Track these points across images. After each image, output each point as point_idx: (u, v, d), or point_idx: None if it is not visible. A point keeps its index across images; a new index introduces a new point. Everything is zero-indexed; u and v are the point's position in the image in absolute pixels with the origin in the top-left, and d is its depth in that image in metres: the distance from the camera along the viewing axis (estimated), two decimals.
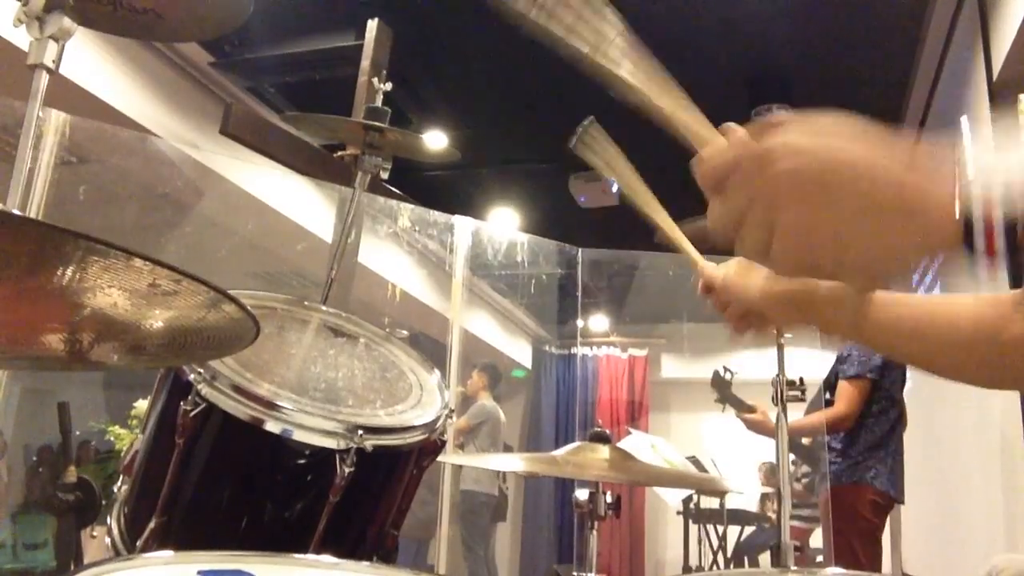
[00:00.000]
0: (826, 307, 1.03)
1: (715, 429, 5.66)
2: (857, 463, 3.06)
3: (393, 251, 5.30)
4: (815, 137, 0.57)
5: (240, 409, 1.19)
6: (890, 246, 0.55)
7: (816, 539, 4.93)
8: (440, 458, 1.39)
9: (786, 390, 2.10)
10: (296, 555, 1.07)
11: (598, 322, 8.04)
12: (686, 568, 5.98)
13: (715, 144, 0.62)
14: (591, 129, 1.14)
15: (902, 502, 3.16)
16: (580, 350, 7.73)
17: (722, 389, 3.48)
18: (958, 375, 0.92)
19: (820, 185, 0.55)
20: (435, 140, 4.94)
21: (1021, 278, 0.57)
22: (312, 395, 1.28)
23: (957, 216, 0.52)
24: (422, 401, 1.40)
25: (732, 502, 6.13)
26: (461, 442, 5.37)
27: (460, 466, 4.75)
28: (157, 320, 0.72)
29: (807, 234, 0.55)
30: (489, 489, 5.67)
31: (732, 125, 0.63)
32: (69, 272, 0.61)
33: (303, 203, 5.04)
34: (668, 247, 1.19)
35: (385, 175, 2.07)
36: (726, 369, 3.48)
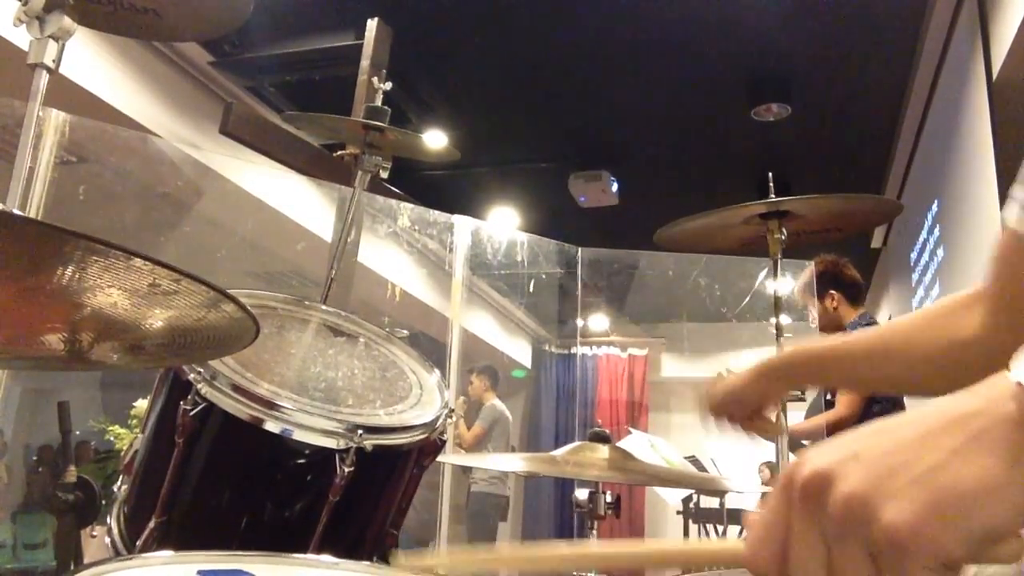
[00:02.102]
0: (806, 371, 1.08)
1: (715, 429, 5.65)
2: None
3: (393, 251, 5.30)
4: (856, 438, 0.47)
5: (240, 409, 1.19)
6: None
7: None
8: (440, 458, 1.39)
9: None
10: (296, 555, 1.07)
11: (598, 322, 8.04)
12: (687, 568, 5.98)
13: (754, 520, 0.48)
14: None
15: None
16: (580, 350, 7.73)
17: None
18: (936, 388, 0.94)
19: (900, 464, 0.44)
20: (435, 140, 4.94)
21: None
22: (312, 395, 1.28)
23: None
24: (422, 401, 1.40)
25: (732, 502, 6.13)
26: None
27: (462, 467, 4.74)
28: (157, 320, 0.72)
29: (928, 529, 0.42)
30: (501, 490, 5.65)
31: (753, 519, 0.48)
32: (69, 272, 0.61)
33: (303, 203, 5.04)
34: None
35: (385, 174, 2.07)
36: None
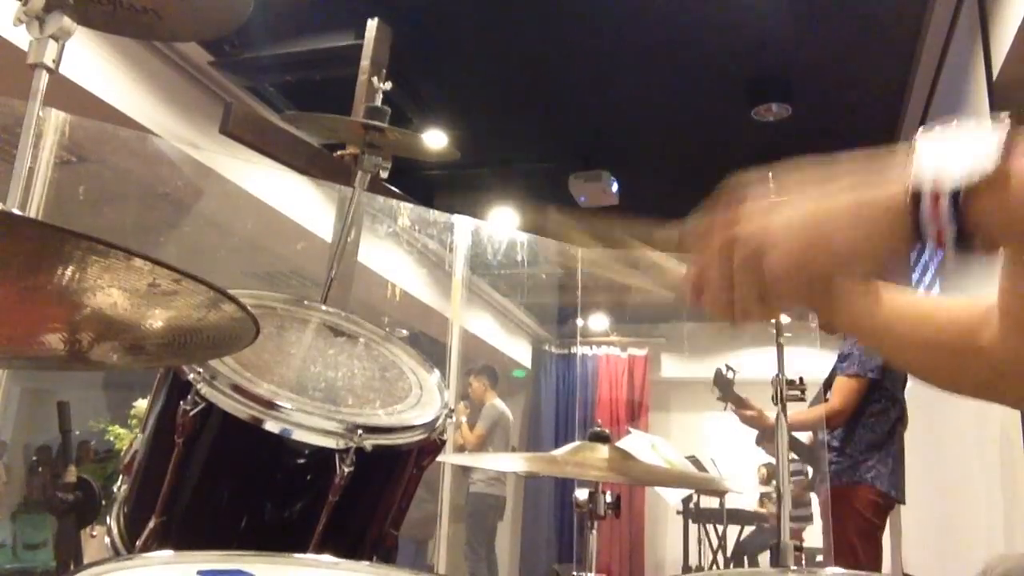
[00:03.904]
0: (833, 298, 1.05)
1: (715, 429, 5.66)
2: (857, 462, 3.06)
3: (393, 251, 5.30)
4: (767, 206, 0.67)
5: (239, 409, 1.19)
6: (862, 253, 0.61)
7: (813, 538, 4.94)
8: (440, 458, 1.39)
9: (786, 390, 2.10)
10: (296, 555, 1.07)
11: (598, 322, 8.04)
12: (686, 568, 5.99)
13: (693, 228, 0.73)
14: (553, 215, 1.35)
15: (903, 502, 3.16)
16: (580, 349, 7.73)
17: (724, 387, 3.48)
18: (944, 381, 0.91)
19: (785, 241, 0.63)
20: (435, 140, 4.94)
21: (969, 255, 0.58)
22: (312, 395, 1.28)
23: (908, 200, 0.56)
24: (422, 401, 1.40)
25: (732, 502, 6.14)
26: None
27: (462, 467, 4.74)
28: (157, 320, 0.72)
29: (788, 270, 0.63)
30: (499, 491, 5.65)
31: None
32: (69, 272, 0.61)
33: (303, 203, 5.04)
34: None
35: (385, 174, 2.07)
36: (728, 367, 3.48)
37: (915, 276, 5.02)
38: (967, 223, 0.54)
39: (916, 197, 0.55)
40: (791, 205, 0.65)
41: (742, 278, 0.65)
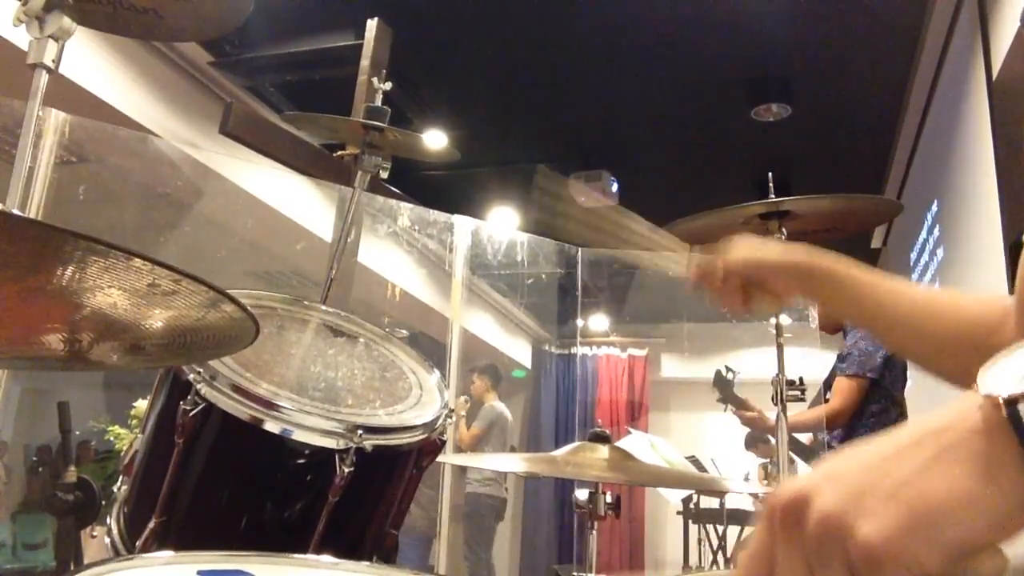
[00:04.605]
0: (827, 282, 1.03)
1: (715, 429, 5.66)
2: None
3: (393, 251, 5.30)
4: (834, 460, 0.47)
5: (239, 409, 1.19)
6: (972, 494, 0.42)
7: None
8: (440, 458, 1.39)
9: (786, 390, 2.10)
10: (296, 555, 1.07)
11: (598, 322, 8.04)
12: (686, 568, 5.99)
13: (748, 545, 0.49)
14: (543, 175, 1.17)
15: None
16: (580, 350, 7.73)
17: (724, 389, 3.48)
18: (945, 373, 0.92)
19: (874, 481, 0.44)
20: (435, 140, 4.94)
21: None
22: (311, 395, 1.28)
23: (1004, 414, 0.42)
24: (422, 401, 1.40)
25: (732, 502, 6.13)
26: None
27: (462, 468, 4.74)
28: (157, 320, 0.72)
29: (898, 542, 0.42)
30: (496, 491, 5.64)
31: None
32: (69, 272, 0.61)
33: (303, 203, 5.04)
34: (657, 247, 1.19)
35: (385, 174, 2.07)
36: (728, 369, 3.48)
37: (915, 276, 5.01)
38: None
39: (1010, 408, 0.42)
40: (847, 459, 0.46)
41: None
